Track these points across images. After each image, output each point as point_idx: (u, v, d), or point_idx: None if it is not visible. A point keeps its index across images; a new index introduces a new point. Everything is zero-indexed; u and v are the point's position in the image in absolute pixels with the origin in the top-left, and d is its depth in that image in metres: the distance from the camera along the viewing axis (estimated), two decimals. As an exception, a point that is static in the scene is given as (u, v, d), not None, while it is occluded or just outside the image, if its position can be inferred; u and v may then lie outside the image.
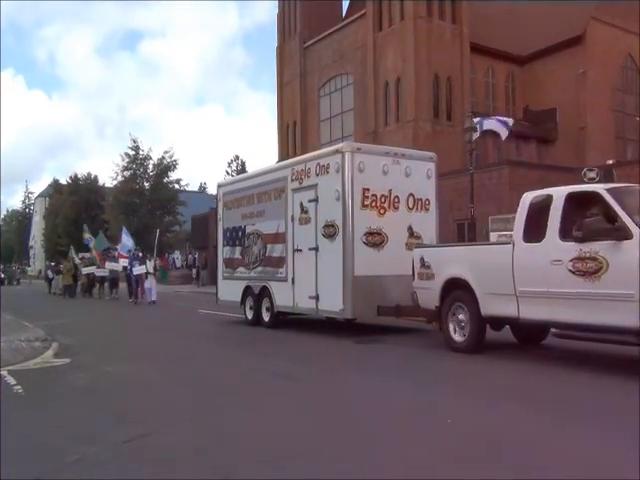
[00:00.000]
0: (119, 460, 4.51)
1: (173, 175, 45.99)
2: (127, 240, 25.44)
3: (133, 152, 45.03)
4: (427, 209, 11.51)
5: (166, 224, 44.41)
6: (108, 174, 71.07)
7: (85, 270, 27.66)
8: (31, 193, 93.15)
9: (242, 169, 74.30)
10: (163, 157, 45.14)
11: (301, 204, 11.58)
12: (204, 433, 5.15)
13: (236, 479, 4.05)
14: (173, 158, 45.35)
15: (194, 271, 38.93)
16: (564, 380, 6.88)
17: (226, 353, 10.09)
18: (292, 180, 11.93)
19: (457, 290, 8.84)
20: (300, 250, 11.53)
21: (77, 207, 57.79)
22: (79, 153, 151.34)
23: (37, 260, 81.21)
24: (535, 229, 7.74)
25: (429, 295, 9.36)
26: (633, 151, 35.59)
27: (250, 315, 13.44)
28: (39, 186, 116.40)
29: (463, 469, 4.06)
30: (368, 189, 10.70)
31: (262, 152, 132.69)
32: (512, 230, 8.42)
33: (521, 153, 34.27)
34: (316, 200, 11.18)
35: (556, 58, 35.30)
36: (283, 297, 12.07)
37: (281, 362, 8.79)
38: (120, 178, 45.17)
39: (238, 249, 13.89)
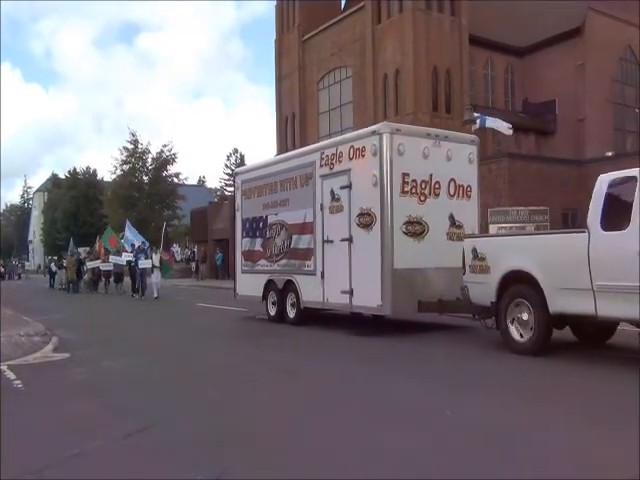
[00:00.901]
0: (119, 454, 4.53)
1: (172, 169, 46.01)
2: (130, 234, 24.93)
3: (132, 146, 44.98)
4: (469, 196, 10.76)
5: (165, 218, 44.38)
6: (107, 168, 71.15)
7: (90, 264, 27.12)
8: (30, 188, 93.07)
9: (241, 162, 74.16)
10: (162, 151, 45.14)
11: (332, 191, 10.82)
12: (204, 427, 5.16)
13: (234, 472, 4.06)
14: (172, 152, 45.36)
15: (193, 265, 38.91)
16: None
17: (230, 347, 10.10)
18: (321, 165, 11.15)
19: (518, 284, 8.02)
20: (331, 241, 10.81)
21: (76, 201, 57.81)
22: (76, 147, 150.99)
23: (36, 255, 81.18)
24: (616, 216, 6.86)
25: (483, 290, 8.56)
26: (632, 143, 35.52)
27: (273, 311, 12.68)
28: (36, 180, 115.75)
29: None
30: (408, 174, 9.96)
31: (261, 145, 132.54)
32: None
33: (520, 145, 34.19)
34: (349, 186, 10.42)
35: (555, 50, 35.18)
36: (311, 292, 11.33)
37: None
38: (119, 172, 45.16)
39: (259, 241, 13.13)
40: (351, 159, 10.46)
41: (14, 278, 50.54)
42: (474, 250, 8.83)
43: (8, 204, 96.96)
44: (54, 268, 31.55)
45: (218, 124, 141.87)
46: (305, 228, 11.54)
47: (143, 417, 5.48)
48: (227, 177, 74.06)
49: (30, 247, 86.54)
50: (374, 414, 5.42)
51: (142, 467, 4.25)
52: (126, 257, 23.70)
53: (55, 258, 34.89)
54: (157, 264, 21.83)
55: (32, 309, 17.06)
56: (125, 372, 7.90)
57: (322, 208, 11.06)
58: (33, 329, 11.68)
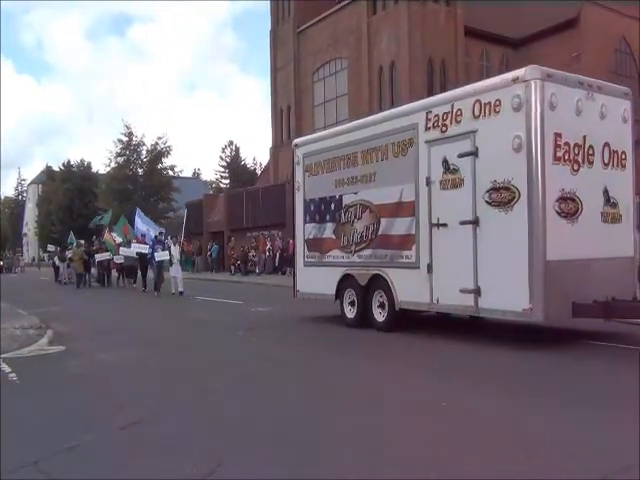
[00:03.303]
0: (115, 447, 4.53)
1: (167, 161, 45.85)
2: (142, 224, 23.02)
3: (126, 138, 44.79)
4: (623, 165, 8.51)
5: (160, 211, 44.26)
6: (102, 161, 70.88)
7: (98, 257, 24.97)
8: (24, 180, 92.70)
9: (236, 154, 74.19)
10: (157, 143, 44.94)
11: (445, 161, 8.60)
12: (200, 419, 5.16)
13: (230, 465, 4.06)
14: (167, 144, 45.19)
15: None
16: None
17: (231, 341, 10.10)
18: (427, 128, 8.93)
19: None
20: (443, 225, 8.59)
21: (70, 194, 57.62)
22: (68, 139, 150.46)
23: (30, 248, 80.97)
24: None
25: None
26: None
27: (351, 313, 10.46)
28: (27, 172, 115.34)
29: None
30: (560, 135, 7.73)
31: (256, 137, 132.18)
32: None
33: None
34: (474, 154, 8.16)
35: (550, 41, 35.12)
36: (411, 290, 9.20)
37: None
38: (114, 164, 44.98)
39: (329, 226, 10.91)
40: (477, 117, 8.22)
41: (16, 272, 49.96)
42: None
43: (2, 197, 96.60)
44: (57, 262, 29.29)
45: (213, 116, 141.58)
46: (401, 209, 9.36)
47: (139, 409, 5.49)
48: (222, 169, 74.03)
49: (24, 240, 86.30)
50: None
51: (137, 460, 4.25)
52: (136, 248, 21.37)
53: (57, 249, 32.22)
54: (177, 256, 19.54)
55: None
56: (121, 365, 7.87)
57: (429, 183, 8.85)
58: (28, 322, 11.65)
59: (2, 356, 8.16)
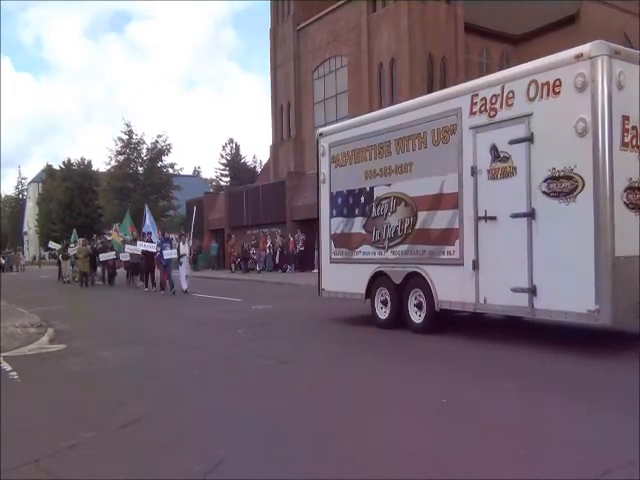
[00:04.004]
0: (115, 445, 4.53)
1: (167, 159, 45.86)
2: (149, 222, 22.68)
3: (127, 137, 44.80)
4: None
5: (160, 209, 44.28)
6: (102, 159, 70.87)
7: (103, 257, 24.33)
8: (24, 179, 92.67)
9: (236, 152, 74.08)
10: (157, 141, 44.95)
11: (493, 148, 7.95)
12: (201, 418, 5.17)
13: (230, 463, 4.06)
14: (167, 142, 45.20)
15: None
16: None
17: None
18: (473, 113, 8.26)
19: None
20: (492, 218, 7.97)
21: (71, 192, 57.51)
22: (67, 137, 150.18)
23: (31, 246, 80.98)
24: None
25: None
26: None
27: (384, 313, 9.87)
28: (26, 170, 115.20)
29: None
30: (628, 118, 7.05)
31: (256, 135, 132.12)
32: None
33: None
34: (529, 139, 7.51)
35: (551, 38, 35.02)
36: (453, 288, 8.54)
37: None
38: (114, 163, 45.00)
39: (358, 220, 10.28)
40: (532, 100, 7.53)
41: (17, 270, 49.84)
42: None
43: (3, 195, 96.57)
44: (62, 260, 28.70)
45: (212, 114, 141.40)
46: (442, 201, 8.69)
47: (140, 408, 5.48)
48: (222, 167, 73.96)
49: (25, 239, 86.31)
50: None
51: (138, 458, 4.26)
52: (142, 246, 20.50)
53: (61, 246, 30.95)
54: (186, 254, 19.20)
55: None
56: (121, 363, 7.87)
57: (474, 172, 8.20)
58: (29, 320, 11.65)
59: (3, 354, 8.17)
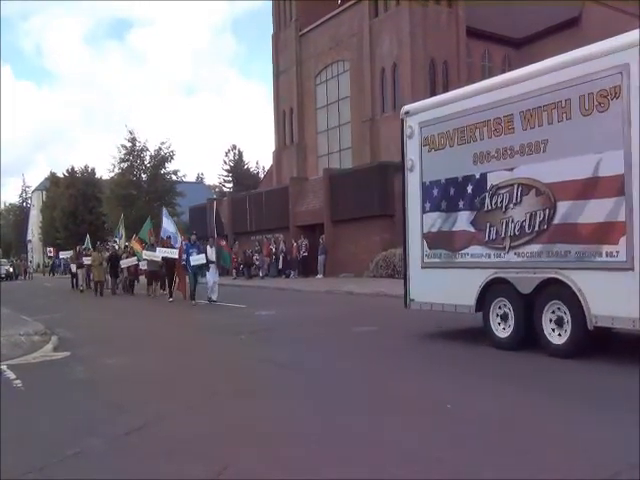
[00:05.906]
0: (119, 452, 4.52)
1: (170, 166, 45.92)
2: (168, 224, 21.23)
3: (130, 144, 44.90)
4: None
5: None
6: (105, 166, 71.07)
7: (124, 263, 23.05)
8: (28, 187, 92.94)
9: (239, 158, 74.22)
10: (160, 148, 45.03)
11: None
12: (204, 424, 5.14)
13: (234, 470, 4.04)
14: (170, 149, 45.27)
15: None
16: None
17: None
18: None
19: None
20: None
21: (74, 200, 57.66)
22: (69, 144, 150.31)
23: (35, 254, 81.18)
24: None
25: None
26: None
27: (504, 330, 7.97)
28: (28, 178, 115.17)
29: None
30: None
31: (259, 141, 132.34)
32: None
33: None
34: None
35: (552, 40, 35.05)
36: (615, 300, 6.61)
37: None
38: (117, 170, 45.10)
39: (464, 215, 8.38)
40: None
41: (25, 278, 49.82)
42: None
43: (7, 203, 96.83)
44: (74, 269, 27.47)
45: (215, 120, 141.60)
46: (598, 187, 6.75)
47: (144, 414, 5.46)
48: (225, 173, 74.08)
49: (29, 246, 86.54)
50: None
51: (142, 465, 4.23)
52: (162, 253, 19.14)
53: (73, 253, 29.52)
54: (213, 259, 16.96)
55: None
56: (126, 370, 7.86)
57: None
58: (33, 328, 11.64)
59: (8, 363, 8.16)
